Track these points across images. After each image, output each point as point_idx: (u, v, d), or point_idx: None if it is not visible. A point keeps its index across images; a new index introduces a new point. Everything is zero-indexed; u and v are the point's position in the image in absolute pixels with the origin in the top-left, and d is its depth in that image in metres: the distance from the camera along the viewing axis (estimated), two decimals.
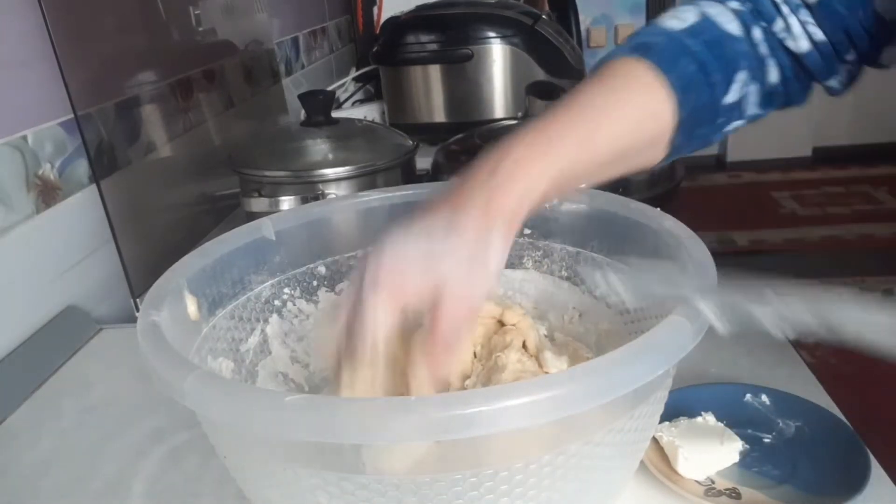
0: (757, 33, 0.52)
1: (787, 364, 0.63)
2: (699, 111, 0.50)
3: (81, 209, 0.83)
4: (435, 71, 1.34)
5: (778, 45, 0.52)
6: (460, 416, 0.32)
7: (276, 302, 0.57)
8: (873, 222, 3.18)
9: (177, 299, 0.46)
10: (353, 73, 1.68)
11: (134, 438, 0.60)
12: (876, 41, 0.52)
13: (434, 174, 0.98)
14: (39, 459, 0.59)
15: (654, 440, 0.51)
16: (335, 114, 1.08)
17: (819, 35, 0.52)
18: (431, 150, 1.03)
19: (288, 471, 0.38)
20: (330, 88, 1.29)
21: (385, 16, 1.67)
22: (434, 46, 1.32)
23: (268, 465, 0.39)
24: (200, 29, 1.13)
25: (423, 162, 1.02)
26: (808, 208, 3.42)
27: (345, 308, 0.43)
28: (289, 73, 1.58)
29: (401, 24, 1.36)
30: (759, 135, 3.88)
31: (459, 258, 0.41)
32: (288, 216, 0.58)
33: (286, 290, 0.58)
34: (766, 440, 0.53)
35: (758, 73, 0.52)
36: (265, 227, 0.56)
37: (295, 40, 1.65)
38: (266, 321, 0.56)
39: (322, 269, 0.60)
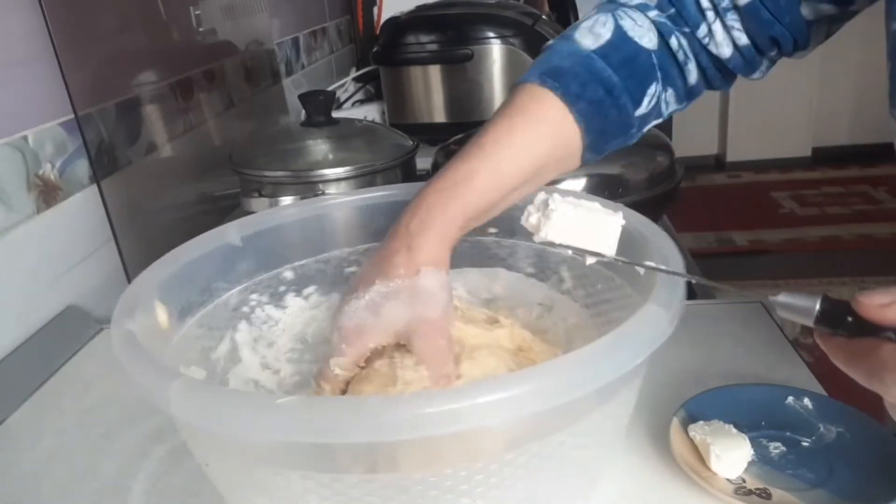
0: (676, 40, 0.54)
1: (788, 364, 0.63)
2: (608, 130, 0.53)
3: (82, 209, 0.83)
4: (435, 71, 1.34)
5: (700, 49, 0.55)
6: (451, 411, 0.32)
7: (245, 308, 0.57)
8: (872, 222, 3.19)
9: (147, 308, 0.46)
10: (353, 74, 1.68)
11: (134, 438, 0.60)
12: (795, 43, 0.54)
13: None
14: (39, 459, 0.59)
15: (688, 438, 0.51)
16: (335, 114, 1.08)
17: (743, 40, 0.54)
18: (431, 150, 1.03)
19: (278, 476, 0.38)
20: (330, 88, 1.29)
21: (385, 16, 1.67)
22: (434, 46, 1.32)
23: (256, 471, 0.39)
24: (200, 29, 1.13)
25: (423, 162, 1.02)
26: (808, 208, 3.42)
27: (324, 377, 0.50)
28: (289, 73, 1.58)
29: (401, 25, 1.36)
30: (758, 135, 3.88)
31: (404, 303, 0.46)
32: (253, 221, 0.58)
33: (254, 296, 0.58)
34: (805, 444, 0.52)
35: (674, 80, 0.55)
36: (231, 233, 0.56)
37: (295, 40, 1.65)
38: (235, 328, 0.56)
39: (289, 274, 0.60)
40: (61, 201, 0.80)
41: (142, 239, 0.90)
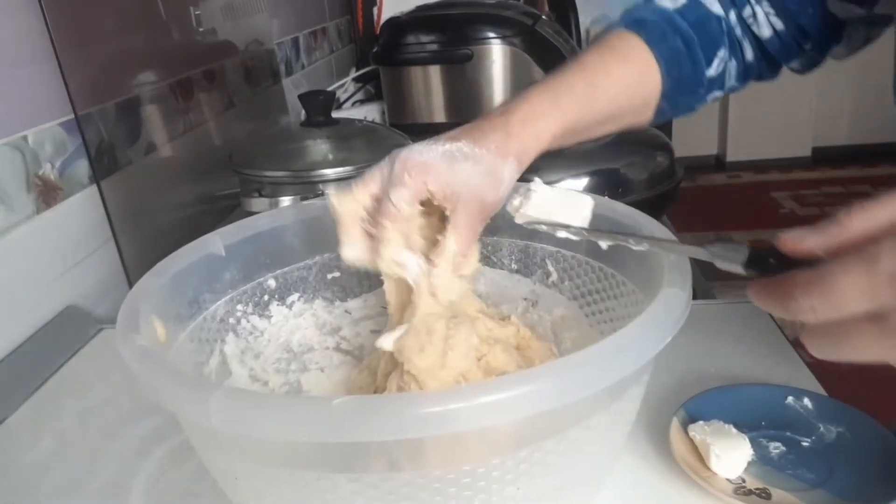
0: (732, 16, 0.61)
1: (787, 364, 0.63)
2: (682, 82, 0.59)
3: (82, 209, 0.83)
4: (435, 71, 1.34)
5: (747, 29, 0.61)
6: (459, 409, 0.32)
7: (231, 320, 0.57)
8: None
9: (146, 323, 0.45)
10: (353, 74, 1.68)
11: (134, 438, 0.60)
12: (827, 37, 0.60)
13: None
14: (39, 459, 0.59)
15: (688, 438, 0.52)
16: (335, 114, 1.08)
17: (779, 25, 0.60)
18: None
19: (322, 480, 0.37)
20: (330, 89, 1.29)
21: (385, 16, 1.67)
22: (434, 46, 1.32)
23: (299, 477, 0.38)
24: (200, 29, 1.13)
25: None
26: (808, 208, 3.42)
27: (370, 189, 0.50)
28: (289, 73, 1.58)
29: (401, 25, 1.36)
30: (758, 135, 3.88)
31: (476, 171, 0.48)
32: (234, 230, 0.58)
33: (239, 306, 0.57)
34: (805, 444, 0.52)
35: (736, 51, 0.61)
36: (213, 243, 0.55)
37: (295, 40, 1.65)
38: (223, 341, 0.55)
39: (272, 283, 0.60)
40: (61, 201, 0.80)
41: (142, 239, 0.90)
